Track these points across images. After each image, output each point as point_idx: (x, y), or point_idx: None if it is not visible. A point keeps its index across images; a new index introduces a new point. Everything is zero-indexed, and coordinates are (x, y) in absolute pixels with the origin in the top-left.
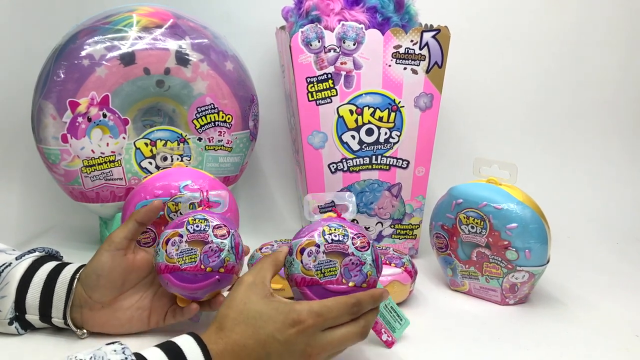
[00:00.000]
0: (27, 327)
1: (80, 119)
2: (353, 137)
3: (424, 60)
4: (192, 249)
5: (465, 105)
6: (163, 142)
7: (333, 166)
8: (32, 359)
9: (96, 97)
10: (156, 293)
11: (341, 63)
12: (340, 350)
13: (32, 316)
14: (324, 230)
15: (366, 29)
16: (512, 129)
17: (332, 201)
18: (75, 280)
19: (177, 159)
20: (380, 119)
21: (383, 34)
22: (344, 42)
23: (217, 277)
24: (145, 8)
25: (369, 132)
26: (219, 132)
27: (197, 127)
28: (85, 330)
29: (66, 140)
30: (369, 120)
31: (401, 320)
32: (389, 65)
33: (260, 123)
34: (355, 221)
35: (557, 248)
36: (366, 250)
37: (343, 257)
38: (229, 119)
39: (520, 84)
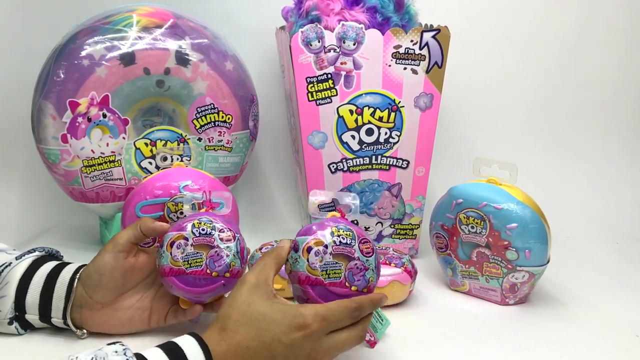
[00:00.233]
0: (27, 327)
1: (80, 119)
2: (353, 137)
3: (424, 60)
4: (197, 252)
5: (465, 105)
6: (163, 142)
7: (333, 166)
8: (32, 359)
9: (96, 97)
10: (157, 293)
11: (341, 63)
12: (339, 353)
13: (32, 316)
14: (332, 232)
15: (366, 29)
16: (512, 129)
17: (333, 200)
18: (76, 280)
19: (177, 159)
20: (380, 119)
21: (383, 34)
22: (344, 42)
23: (222, 282)
24: (145, 8)
25: (369, 132)
26: (219, 132)
27: (197, 127)
28: (85, 331)
29: (66, 140)
30: (369, 120)
31: (382, 320)
32: (389, 65)
33: (260, 123)
34: (356, 222)
35: (557, 248)
36: (371, 256)
37: (348, 261)
38: (229, 119)
39: (520, 84)
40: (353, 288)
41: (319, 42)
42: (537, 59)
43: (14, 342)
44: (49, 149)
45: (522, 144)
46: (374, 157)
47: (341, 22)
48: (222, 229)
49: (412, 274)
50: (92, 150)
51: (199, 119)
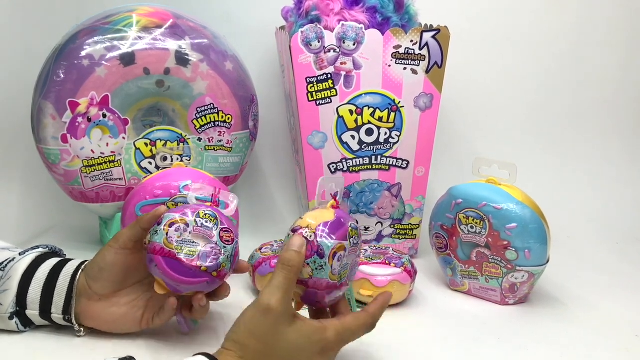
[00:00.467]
0: (28, 324)
1: (80, 119)
2: (353, 137)
3: (424, 60)
4: (194, 241)
5: (465, 105)
6: (163, 142)
7: (333, 166)
8: (32, 357)
9: (96, 97)
10: (154, 295)
11: (341, 63)
12: None
13: (32, 312)
14: (349, 233)
15: (366, 29)
16: (512, 129)
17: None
18: (80, 272)
19: (177, 159)
20: (380, 119)
21: (383, 34)
22: (343, 42)
23: (207, 279)
24: (145, 8)
25: (369, 132)
26: (218, 132)
27: (197, 127)
28: (82, 328)
29: (66, 140)
30: (368, 121)
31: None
32: (389, 66)
33: (260, 123)
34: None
35: (557, 248)
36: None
37: (354, 259)
38: (228, 119)
39: (520, 84)
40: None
41: (318, 42)
42: (537, 59)
43: (15, 341)
44: (49, 149)
45: (522, 144)
46: (373, 157)
47: (341, 22)
48: (224, 228)
49: (412, 274)
50: (92, 150)
51: (199, 119)
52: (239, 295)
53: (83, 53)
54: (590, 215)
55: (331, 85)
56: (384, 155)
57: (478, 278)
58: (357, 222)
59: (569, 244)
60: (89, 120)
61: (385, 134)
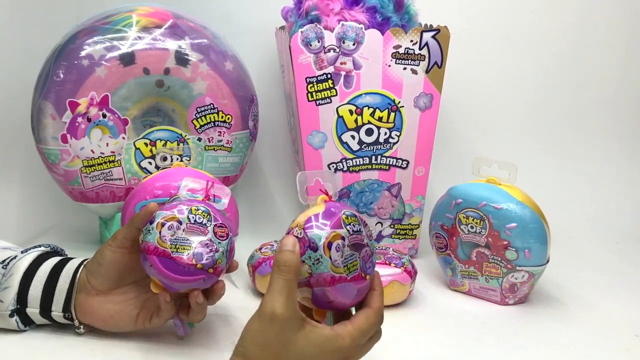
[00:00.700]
0: (28, 322)
1: (79, 119)
2: (353, 137)
3: (424, 60)
4: (187, 239)
5: (465, 105)
6: (163, 142)
7: (333, 166)
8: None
9: (96, 97)
10: (151, 296)
11: (341, 63)
12: None
13: (33, 310)
14: (343, 220)
15: (366, 29)
16: (512, 129)
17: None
18: (81, 268)
19: (177, 159)
20: (380, 119)
21: (383, 34)
22: (343, 42)
23: (203, 276)
24: (145, 8)
25: (369, 132)
26: (218, 132)
27: (196, 127)
28: (82, 325)
29: (66, 140)
30: (368, 120)
31: None
32: (389, 65)
33: (260, 123)
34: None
35: (557, 248)
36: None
37: (360, 249)
38: (228, 119)
39: (520, 84)
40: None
41: (318, 42)
42: (537, 59)
43: (15, 340)
44: (49, 149)
45: (522, 144)
46: (373, 157)
47: (341, 22)
48: (218, 224)
49: (412, 274)
50: (91, 150)
51: (199, 119)
52: (238, 296)
53: (83, 53)
54: (590, 215)
55: (331, 85)
56: (383, 155)
57: (478, 278)
58: (356, 210)
59: (569, 244)
60: (89, 120)
61: (385, 133)
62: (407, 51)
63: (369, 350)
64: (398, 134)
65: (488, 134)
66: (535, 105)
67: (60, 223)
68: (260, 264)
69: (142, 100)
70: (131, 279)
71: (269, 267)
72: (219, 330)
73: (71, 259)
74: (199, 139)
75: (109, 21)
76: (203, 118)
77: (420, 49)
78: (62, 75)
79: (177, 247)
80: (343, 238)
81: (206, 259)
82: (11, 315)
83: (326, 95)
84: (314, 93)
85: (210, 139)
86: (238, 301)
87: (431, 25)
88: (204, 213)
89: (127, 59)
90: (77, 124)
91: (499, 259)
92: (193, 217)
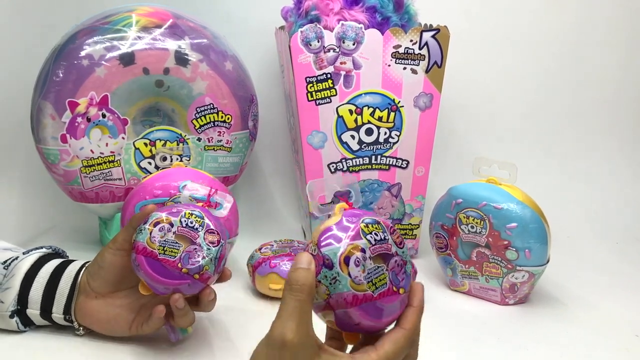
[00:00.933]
0: (28, 324)
1: (79, 119)
2: (353, 137)
3: (424, 60)
4: (177, 242)
5: (465, 105)
6: (162, 142)
7: (333, 166)
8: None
9: (95, 97)
10: (148, 302)
11: (341, 63)
12: None
13: (33, 311)
14: (362, 230)
15: (365, 29)
16: (512, 129)
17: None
18: (83, 270)
19: (177, 159)
20: (380, 118)
21: (382, 33)
22: (343, 42)
23: (188, 281)
24: (145, 8)
25: (369, 132)
26: (218, 132)
27: (196, 127)
28: (81, 327)
29: (65, 140)
30: (368, 120)
31: None
32: (389, 65)
33: (260, 123)
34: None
35: (557, 248)
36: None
37: (388, 260)
38: (228, 119)
39: (520, 84)
40: (401, 291)
41: (318, 42)
42: (537, 59)
43: (15, 341)
44: (49, 149)
45: (522, 144)
46: (373, 157)
47: (340, 22)
48: (210, 229)
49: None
50: (91, 150)
51: (199, 119)
52: (238, 297)
53: (82, 53)
54: (590, 215)
55: (331, 85)
56: (383, 155)
57: (478, 278)
58: (378, 216)
59: (569, 244)
60: (89, 120)
61: (385, 133)
62: (407, 51)
63: None
64: (398, 133)
65: (488, 134)
66: (535, 105)
67: (60, 223)
68: (260, 264)
69: (142, 100)
70: (130, 283)
71: (268, 267)
72: (215, 335)
73: (72, 261)
74: (199, 139)
75: (109, 21)
76: (203, 118)
77: (420, 48)
78: (61, 75)
79: (165, 249)
80: (363, 250)
81: (192, 264)
82: (11, 316)
83: (326, 95)
84: (313, 93)
85: (210, 139)
86: (238, 302)
87: (431, 25)
88: (197, 218)
89: (127, 59)
90: (76, 124)
91: (499, 259)
92: (185, 221)
